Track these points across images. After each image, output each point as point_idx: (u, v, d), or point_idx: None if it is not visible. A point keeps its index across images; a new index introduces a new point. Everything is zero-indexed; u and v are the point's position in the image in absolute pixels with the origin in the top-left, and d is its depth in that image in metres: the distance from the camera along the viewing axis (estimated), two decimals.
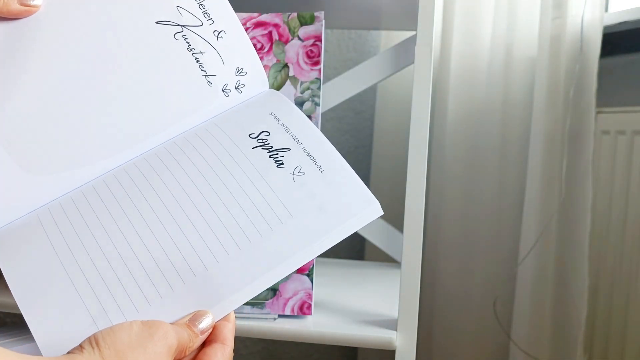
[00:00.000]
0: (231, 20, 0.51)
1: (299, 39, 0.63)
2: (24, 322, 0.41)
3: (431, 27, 0.61)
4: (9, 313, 1.05)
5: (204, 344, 0.44)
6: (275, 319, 0.63)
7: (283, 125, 0.50)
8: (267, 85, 0.54)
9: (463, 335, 1.09)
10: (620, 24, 1.01)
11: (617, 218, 0.99)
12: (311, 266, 0.64)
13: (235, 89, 0.52)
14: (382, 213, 0.47)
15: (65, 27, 0.47)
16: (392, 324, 0.63)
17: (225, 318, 0.45)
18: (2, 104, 0.44)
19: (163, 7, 0.49)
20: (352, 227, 0.46)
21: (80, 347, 0.38)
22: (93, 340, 0.38)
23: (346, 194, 0.47)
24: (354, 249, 1.23)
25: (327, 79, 1.12)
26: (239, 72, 0.52)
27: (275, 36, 0.63)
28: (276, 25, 0.63)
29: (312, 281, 0.64)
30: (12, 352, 0.34)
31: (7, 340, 0.52)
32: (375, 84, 0.94)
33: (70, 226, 0.45)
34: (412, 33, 0.63)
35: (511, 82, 1.06)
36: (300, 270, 0.64)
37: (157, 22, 0.49)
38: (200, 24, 0.50)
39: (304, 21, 0.63)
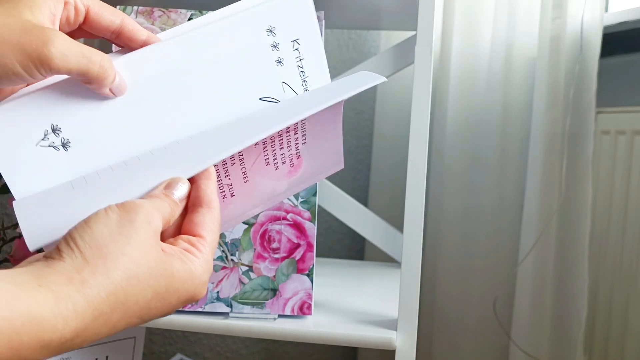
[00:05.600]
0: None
1: None
2: None
3: (431, 27, 0.61)
4: None
5: (186, 210, 0.40)
6: (275, 319, 0.63)
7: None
8: None
9: (463, 336, 1.09)
10: (620, 24, 1.01)
11: (617, 218, 0.99)
12: (311, 266, 0.64)
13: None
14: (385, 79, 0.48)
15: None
16: (392, 324, 0.63)
17: (205, 176, 0.40)
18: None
19: (269, 85, 0.48)
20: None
21: (58, 250, 0.33)
22: (70, 240, 0.34)
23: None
24: (354, 249, 1.23)
25: None
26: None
27: None
28: None
29: (312, 281, 0.64)
30: None
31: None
32: (376, 84, 0.94)
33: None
34: (412, 33, 0.63)
35: (511, 83, 1.06)
36: (300, 271, 0.64)
37: (260, 99, 0.48)
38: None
39: None
